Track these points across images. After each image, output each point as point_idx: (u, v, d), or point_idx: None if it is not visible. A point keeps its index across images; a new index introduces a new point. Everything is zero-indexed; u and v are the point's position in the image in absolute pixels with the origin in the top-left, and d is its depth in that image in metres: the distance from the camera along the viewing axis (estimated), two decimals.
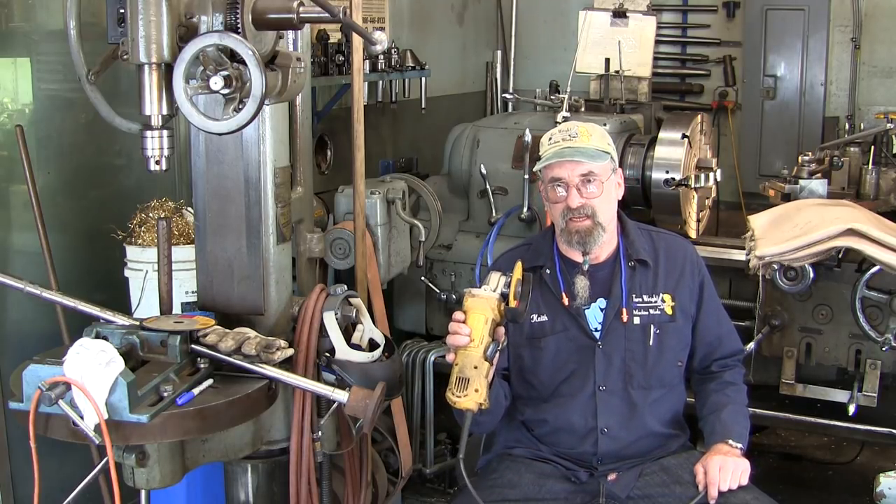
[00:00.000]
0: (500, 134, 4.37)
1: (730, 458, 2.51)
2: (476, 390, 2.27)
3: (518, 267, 2.35)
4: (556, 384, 2.67)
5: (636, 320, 2.66)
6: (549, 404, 2.68)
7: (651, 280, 2.70)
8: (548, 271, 2.72)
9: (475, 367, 2.27)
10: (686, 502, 2.51)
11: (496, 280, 2.33)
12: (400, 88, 5.07)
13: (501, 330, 2.32)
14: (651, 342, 2.65)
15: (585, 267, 2.65)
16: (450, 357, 2.33)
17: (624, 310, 2.65)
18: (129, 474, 2.16)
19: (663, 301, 2.68)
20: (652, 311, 2.67)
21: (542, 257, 2.74)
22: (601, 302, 2.68)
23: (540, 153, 2.67)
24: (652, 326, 2.66)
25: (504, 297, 2.31)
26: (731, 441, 2.57)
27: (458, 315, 2.31)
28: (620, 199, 2.74)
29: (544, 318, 2.69)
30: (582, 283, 2.66)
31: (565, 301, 2.67)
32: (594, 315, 2.68)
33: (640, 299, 2.67)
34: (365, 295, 3.53)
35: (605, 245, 2.69)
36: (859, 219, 3.37)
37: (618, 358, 2.65)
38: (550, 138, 2.67)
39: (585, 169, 2.58)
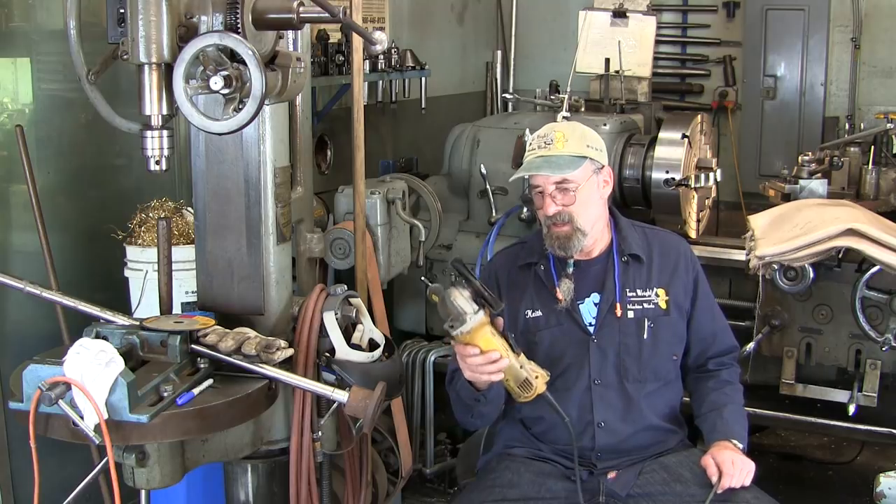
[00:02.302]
0: (500, 134, 4.37)
1: (739, 455, 2.53)
2: (536, 377, 2.45)
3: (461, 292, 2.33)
4: (551, 379, 2.67)
5: (630, 314, 2.67)
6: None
7: (645, 275, 2.71)
8: (542, 267, 2.74)
9: (521, 367, 2.42)
10: (688, 500, 2.51)
11: (463, 301, 2.31)
12: (400, 88, 5.06)
13: (500, 320, 2.38)
14: (645, 336, 2.66)
15: (570, 270, 2.68)
16: (499, 377, 2.39)
17: (618, 304, 2.66)
18: (129, 474, 2.16)
19: (657, 295, 2.69)
20: (646, 306, 2.68)
21: (535, 254, 2.76)
22: (595, 297, 2.69)
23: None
24: (646, 320, 2.67)
25: (480, 304, 2.32)
26: (734, 441, 2.58)
27: (471, 350, 2.34)
28: (614, 196, 2.77)
29: (538, 313, 2.70)
30: (566, 286, 2.67)
31: (559, 296, 2.68)
32: (588, 310, 2.69)
33: (634, 293, 2.68)
34: (365, 295, 3.54)
35: (598, 241, 2.71)
36: (859, 219, 3.37)
37: (612, 352, 2.66)
38: (530, 144, 2.70)
39: (558, 177, 2.59)
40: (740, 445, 2.57)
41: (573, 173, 2.59)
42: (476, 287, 2.31)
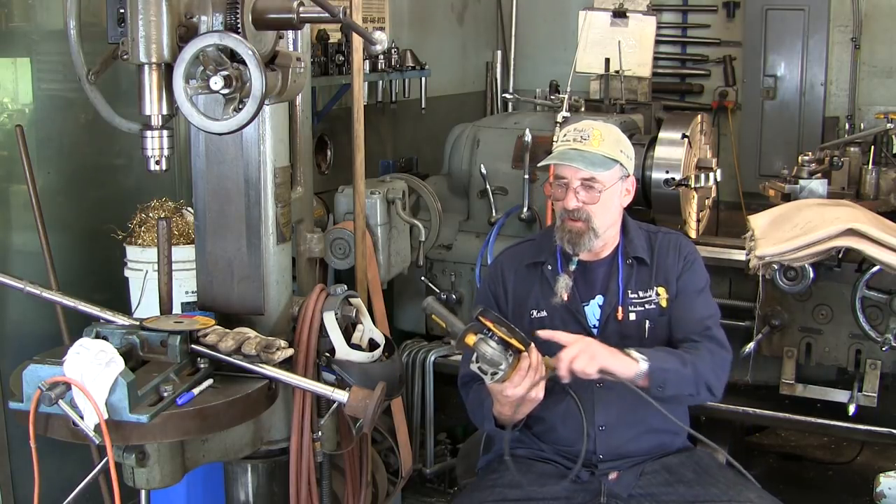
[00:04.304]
0: (500, 134, 4.37)
1: (592, 345, 2.42)
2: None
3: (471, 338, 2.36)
4: (553, 381, 2.66)
5: (632, 316, 2.66)
6: (548, 401, 2.67)
7: (646, 276, 2.70)
8: (549, 267, 2.73)
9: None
10: (691, 501, 2.51)
11: (493, 352, 2.34)
12: (400, 88, 5.07)
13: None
14: (646, 337, 2.66)
15: (572, 267, 2.67)
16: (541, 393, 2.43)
17: (620, 307, 2.66)
18: (129, 474, 2.16)
19: (657, 294, 2.68)
20: (648, 307, 2.67)
21: (543, 253, 2.76)
22: (599, 299, 2.69)
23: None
24: (647, 322, 2.67)
25: (507, 346, 2.35)
26: (633, 353, 2.45)
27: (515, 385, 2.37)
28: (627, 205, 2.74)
29: (544, 313, 2.70)
30: (563, 282, 2.66)
31: (565, 297, 2.67)
32: (593, 312, 2.69)
33: (636, 295, 2.68)
34: (365, 295, 3.54)
35: (608, 244, 2.70)
36: (859, 219, 3.37)
37: None
38: (565, 135, 2.68)
39: (587, 174, 2.59)
40: (638, 357, 2.44)
41: (603, 173, 2.59)
42: (503, 333, 2.33)
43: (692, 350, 2.57)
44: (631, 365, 2.43)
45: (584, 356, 2.37)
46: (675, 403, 2.63)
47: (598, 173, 2.58)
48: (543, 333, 2.41)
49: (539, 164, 2.74)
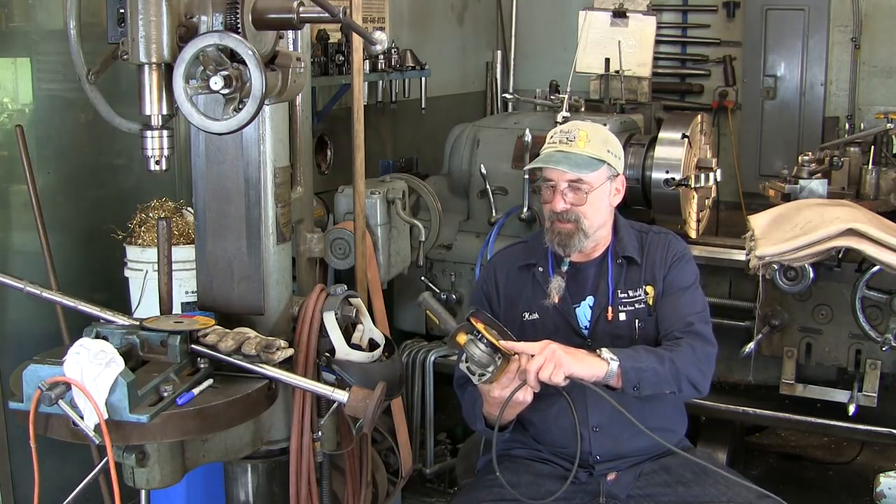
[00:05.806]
0: (500, 134, 4.37)
1: (557, 352, 2.38)
2: None
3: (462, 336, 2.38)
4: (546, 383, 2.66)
5: (622, 317, 2.66)
6: (539, 403, 2.67)
7: (636, 275, 2.70)
8: (540, 269, 2.73)
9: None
10: (690, 501, 2.50)
11: (482, 354, 2.36)
12: (400, 88, 5.07)
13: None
14: (637, 336, 2.65)
15: (564, 268, 2.67)
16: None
17: (609, 307, 2.66)
18: (129, 474, 2.16)
19: (646, 293, 2.68)
20: (637, 306, 2.67)
21: (535, 255, 2.76)
22: (590, 300, 2.69)
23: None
24: (637, 321, 2.66)
25: (496, 349, 2.37)
26: (604, 353, 2.43)
27: (502, 386, 2.40)
28: (619, 203, 2.73)
29: (535, 316, 2.70)
30: (556, 284, 2.66)
31: (556, 300, 2.67)
32: (584, 313, 2.69)
33: (626, 295, 2.68)
34: (365, 295, 3.54)
35: (599, 245, 2.71)
36: (859, 219, 3.37)
37: None
38: (552, 137, 2.68)
39: (573, 176, 2.59)
40: (609, 357, 2.42)
41: (589, 175, 2.59)
42: (492, 336, 2.35)
43: (673, 347, 2.55)
44: (600, 366, 2.41)
45: (549, 364, 2.35)
46: (659, 402, 2.62)
47: (584, 174, 2.58)
48: (506, 345, 2.39)
49: (525, 168, 2.74)
